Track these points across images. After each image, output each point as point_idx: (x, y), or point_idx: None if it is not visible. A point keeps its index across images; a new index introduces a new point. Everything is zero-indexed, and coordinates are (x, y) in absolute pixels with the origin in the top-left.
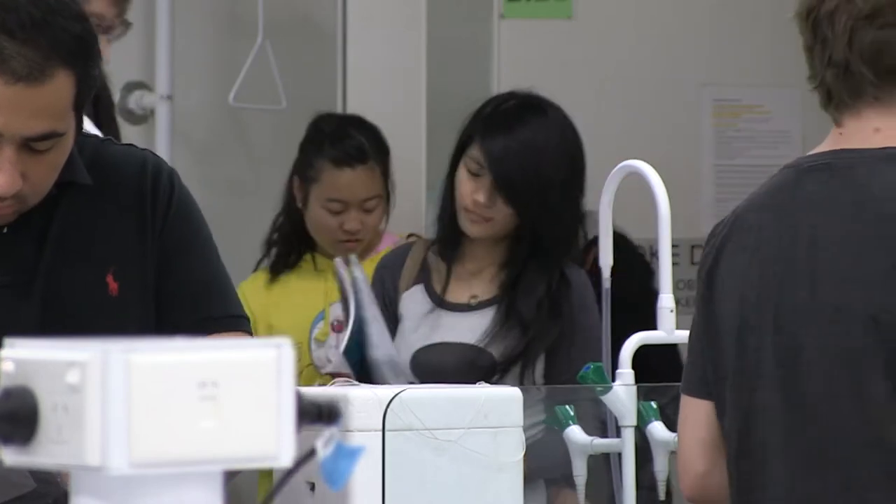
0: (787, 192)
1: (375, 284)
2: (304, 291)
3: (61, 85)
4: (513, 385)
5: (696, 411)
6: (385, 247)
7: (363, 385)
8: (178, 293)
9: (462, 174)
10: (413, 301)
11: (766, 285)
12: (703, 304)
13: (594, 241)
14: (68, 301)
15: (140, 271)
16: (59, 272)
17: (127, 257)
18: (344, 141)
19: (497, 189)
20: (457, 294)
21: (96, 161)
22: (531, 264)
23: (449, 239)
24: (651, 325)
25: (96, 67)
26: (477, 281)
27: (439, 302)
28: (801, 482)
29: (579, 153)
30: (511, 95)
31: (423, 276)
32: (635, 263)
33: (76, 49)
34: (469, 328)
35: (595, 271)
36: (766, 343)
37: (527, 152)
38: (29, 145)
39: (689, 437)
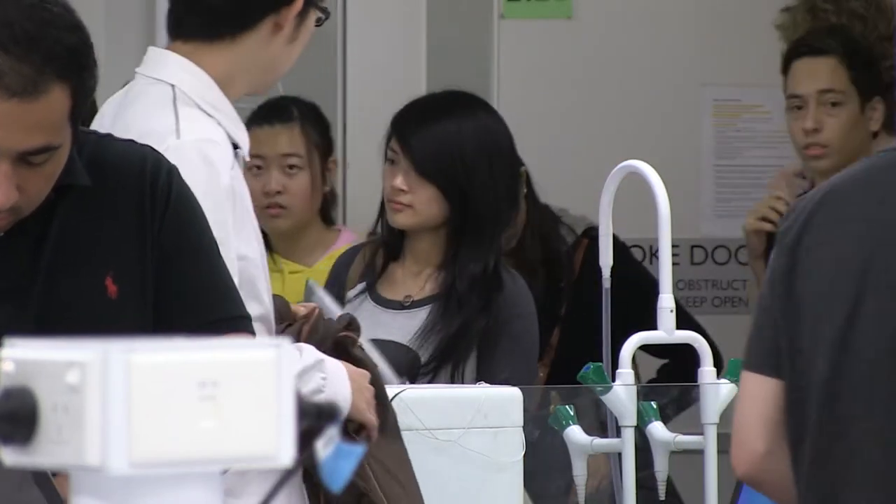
0: (884, 171)
1: (328, 280)
2: None
3: (56, 98)
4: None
5: (762, 388)
6: (343, 244)
7: None
8: (179, 295)
9: (384, 169)
10: (355, 298)
11: (858, 259)
12: (783, 278)
13: (580, 241)
14: (67, 305)
15: (140, 273)
16: (59, 276)
17: (126, 259)
18: (272, 106)
19: (413, 168)
20: (392, 292)
21: (95, 160)
22: (462, 262)
23: (389, 240)
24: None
25: (92, 78)
26: (413, 281)
27: (375, 299)
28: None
29: (500, 137)
30: (430, 94)
31: (368, 274)
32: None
33: (71, 61)
34: (399, 327)
35: (583, 271)
36: (859, 315)
37: (438, 127)
38: (25, 159)
39: (752, 413)
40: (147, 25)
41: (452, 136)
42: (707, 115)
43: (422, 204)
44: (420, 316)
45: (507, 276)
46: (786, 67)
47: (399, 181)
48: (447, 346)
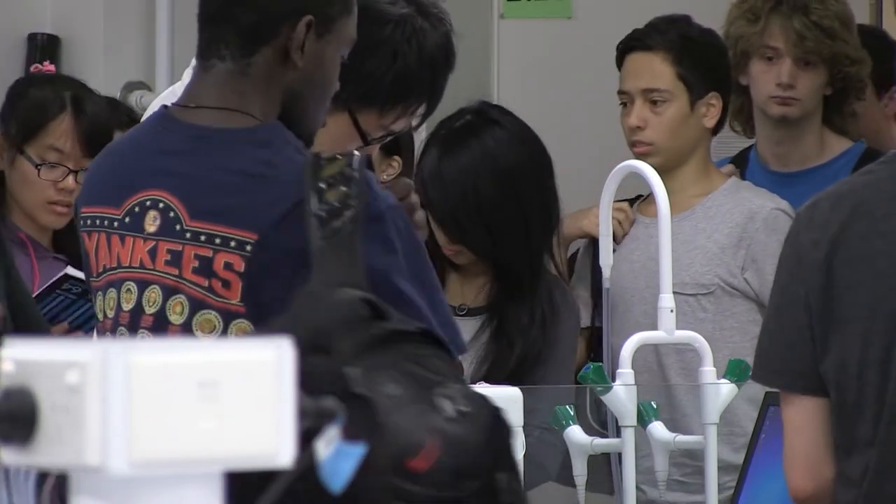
0: None
1: None
2: None
3: None
4: None
5: (815, 410)
6: None
7: None
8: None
9: None
10: None
11: None
12: (819, 293)
13: None
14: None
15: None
16: None
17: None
18: None
19: (440, 228)
20: (448, 298)
21: None
22: (510, 312)
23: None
24: None
25: None
26: (469, 288)
27: None
28: None
29: (516, 172)
30: (461, 113)
31: None
32: None
33: None
34: None
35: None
36: None
37: (452, 182)
38: None
39: (815, 439)
40: (147, 25)
41: (469, 192)
42: None
43: (464, 255)
44: (473, 325)
45: (557, 293)
46: (620, 62)
47: (440, 238)
48: (490, 374)
